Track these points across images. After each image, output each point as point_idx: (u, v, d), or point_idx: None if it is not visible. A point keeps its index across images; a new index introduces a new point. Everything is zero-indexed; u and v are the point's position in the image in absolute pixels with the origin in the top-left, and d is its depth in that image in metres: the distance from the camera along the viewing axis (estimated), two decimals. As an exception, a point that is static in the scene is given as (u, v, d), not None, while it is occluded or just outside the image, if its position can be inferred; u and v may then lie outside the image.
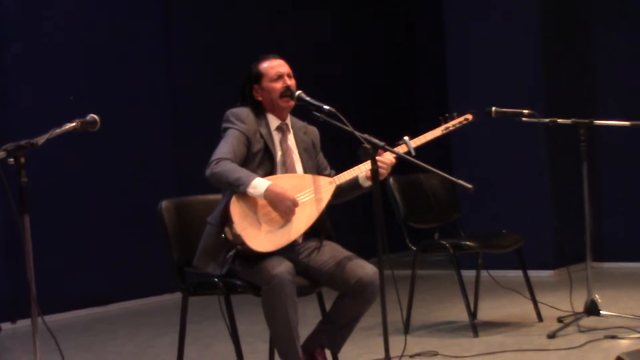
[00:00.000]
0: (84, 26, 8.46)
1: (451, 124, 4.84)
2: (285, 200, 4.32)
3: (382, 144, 4.25)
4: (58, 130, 4.00)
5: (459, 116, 4.87)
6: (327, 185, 4.55)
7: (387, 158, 4.49)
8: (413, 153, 4.52)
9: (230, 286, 4.45)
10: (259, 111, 4.63)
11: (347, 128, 4.24)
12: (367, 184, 4.57)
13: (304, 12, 10.40)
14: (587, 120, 6.08)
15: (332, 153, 5.00)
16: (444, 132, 4.82)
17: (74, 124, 4.07)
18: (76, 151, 8.10)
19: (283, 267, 4.26)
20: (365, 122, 4.47)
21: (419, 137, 4.67)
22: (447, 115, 4.86)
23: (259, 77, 4.64)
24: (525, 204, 8.91)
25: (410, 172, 5.86)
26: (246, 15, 9.77)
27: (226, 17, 9.62)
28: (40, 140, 3.91)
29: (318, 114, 4.38)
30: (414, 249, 6.14)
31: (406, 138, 4.60)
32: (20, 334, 7.36)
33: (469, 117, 4.93)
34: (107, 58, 8.58)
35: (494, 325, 6.39)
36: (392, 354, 4.28)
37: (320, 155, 4.81)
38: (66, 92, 8.20)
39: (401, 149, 4.52)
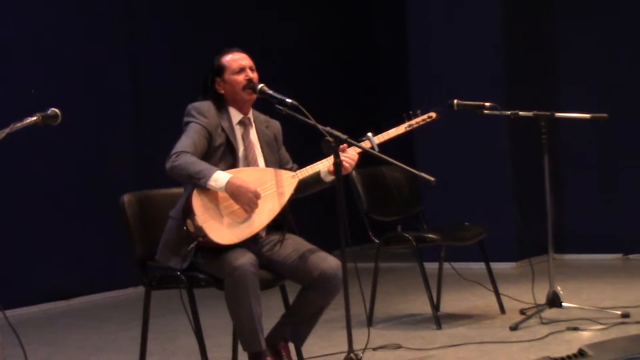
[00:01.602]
0: (44, 17, 8.40)
1: (414, 122, 4.87)
2: (247, 192, 4.31)
3: (344, 137, 4.27)
4: (19, 124, 3.97)
5: (422, 114, 4.90)
6: (290, 179, 4.55)
7: (351, 154, 4.50)
8: (376, 149, 4.53)
9: (192, 280, 4.44)
10: (221, 105, 4.62)
11: (309, 121, 4.25)
12: (329, 178, 4.58)
13: (268, 11, 10.40)
14: (548, 113, 6.12)
15: (295, 147, 5.00)
16: (408, 129, 4.84)
17: (34, 118, 4.04)
18: (37, 144, 8.03)
19: (245, 259, 4.25)
20: (327, 119, 4.45)
21: (383, 133, 4.69)
22: (410, 112, 4.88)
23: (221, 69, 4.64)
24: (488, 197, 8.96)
25: (373, 164, 5.87)
26: (209, 9, 9.73)
27: (189, 8, 9.59)
28: (1, 134, 3.89)
29: (281, 107, 4.38)
30: (377, 241, 6.15)
31: (370, 134, 4.61)
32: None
33: (433, 115, 4.95)
34: (67, 50, 8.53)
35: (457, 318, 6.41)
36: (356, 346, 4.30)
37: (283, 150, 4.81)
38: (27, 86, 8.14)
39: (365, 145, 4.53)
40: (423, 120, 4.91)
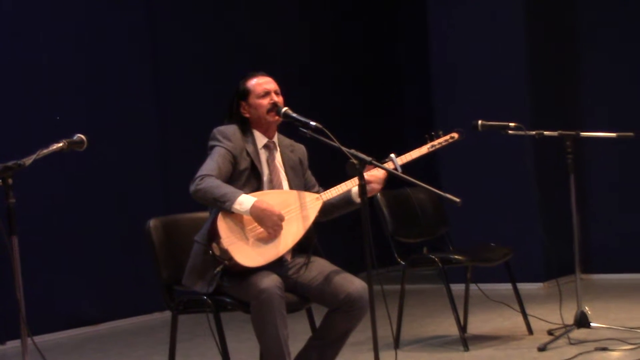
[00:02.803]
0: (71, 45, 8.46)
1: (437, 142, 4.87)
2: (271, 215, 4.32)
3: (369, 159, 4.26)
4: (45, 151, 4.00)
5: (444, 134, 4.90)
6: (314, 202, 4.56)
7: (378, 172, 4.51)
8: (400, 170, 4.53)
9: (219, 304, 4.45)
10: (246, 128, 4.65)
11: (334, 144, 4.26)
12: (359, 200, 4.58)
13: (290, 31, 10.44)
14: (573, 132, 6.12)
15: (321, 170, 5.01)
16: (430, 150, 4.85)
17: (60, 144, 4.07)
18: (63, 171, 8.08)
19: (271, 281, 4.26)
20: (350, 141, 4.45)
21: (405, 154, 4.69)
22: (433, 133, 4.88)
23: (246, 93, 4.67)
24: (513, 217, 8.93)
25: (398, 186, 5.88)
26: (233, 31, 9.78)
27: (214, 33, 9.64)
28: (28, 160, 3.92)
29: (305, 130, 4.40)
30: (403, 263, 6.15)
31: (392, 155, 4.62)
32: (10, 356, 7.33)
33: (455, 135, 4.95)
34: (93, 77, 8.58)
35: (484, 339, 6.39)
36: (383, 369, 4.30)
37: (308, 173, 4.82)
38: (52, 112, 8.19)
39: (388, 167, 4.53)
40: (445, 141, 4.91)
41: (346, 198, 4.63)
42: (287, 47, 10.31)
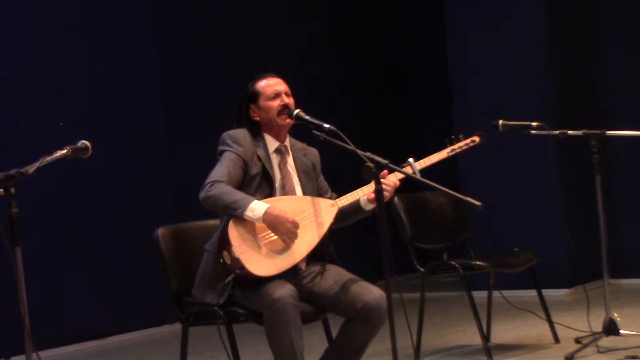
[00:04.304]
0: (75, 49, 8.48)
1: (457, 146, 4.85)
2: (285, 222, 4.33)
3: (385, 162, 4.25)
4: (48, 158, 4.01)
5: (465, 138, 4.88)
6: (329, 208, 4.55)
7: (391, 180, 4.50)
8: (418, 175, 4.52)
9: (231, 315, 4.46)
10: (257, 132, 4.65)
11: (349, 147, 4.26)
12: (370, 206, 4.58)
13: (299, 30, 10.45)
14: (598, 131, 6.09)
15: (334, 175, 5.01)
16: (450, 154, 4.83)
17: (64, 151, 4.07)
18: (67, 179, 8.09)
19: (285, 290, 4.26)
20: (366, 144, 4.44)
21: (424, 159, 4.68)
22: (453, 137, 4.87)
23: (255, 96, 4.67)
24: (537, 220, 8.90)
25: (416, 190, 5.87)
26: (242, 37, 9.79)
27: (222, 39, 9.65)
28: (31, 169, 3.92)
29: (318, 133, 4.39)
30: (422, 270, 6.14)
31: (411, 160, 4.61)
32: (15, 371, 7.36)
33: (476, 139, 4.93)
34: (98, 82, 8.60)
35: (508, 349, 6.38)
36: (403, 381, 4.29)
37: (321, 178, 4.82)
38: (56, 118, 8.21)
39: (406, 171, 4.52)
40: (466, 144, 4.89)
41: (356, 205, 4.62)
42: (296, 50, 10.30)
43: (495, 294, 6.63)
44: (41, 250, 7.94)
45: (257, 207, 4.31)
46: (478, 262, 6.12)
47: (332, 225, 4.58)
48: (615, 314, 6.09)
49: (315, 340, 5.00)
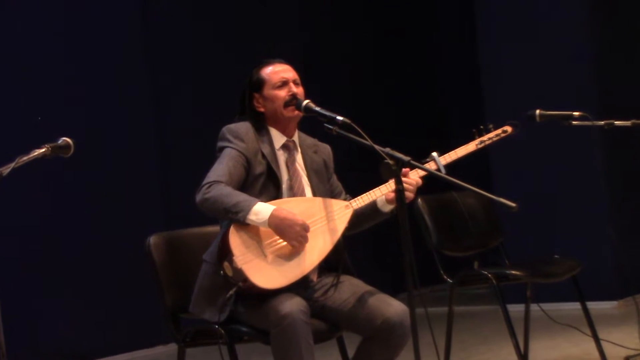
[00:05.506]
0: (58, 39, 8.52)
1: (487, 138, 4.83)
2: (294, 225, 4.31)
3: (407, 158, 4.21)
4: (25, 158, 4.02)
5: (495, 128, 4.87)
6: (343, 211, 4.54)
7: (412, 178, 4.48)
8: (443, 171, 4.52)
9: (233, 334, 4.46)
10: (261, 126, 4.64)
11: (365, 142, 4.24)
12: (388, 207, 4.56)
13: (320, 23, 10.50)
14: (649, 122, 6.10)
15: (348, 174, 5.01)
16: (479, 147, 4.82)
17: (43, 150, 4.09)
18: (46, 181, 8.11)
19: (294, 305, 4.25)
20: (385, 139, 4.43)
21: (450, 153, 4.67)
22: (482, 127, 4.85)
23: (260, 84, 4.65)
24: (581, 224, 8.90)
25: (442, 190, 5.87)
26: (244, 20, 9.82)
27: (214, 29, 9.67)
28: (5, 170, 3.93)
29: (330, 127, 4.37)
30: (450, 281, 6.14)
31: (434, 154, 4.60)
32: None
33: (508, 129, 4.91)
34: (83, 75, 8.63)
35: (549, 369, 6.40)
36: (429, 407, 4.30)
37: (334, 178, 4.81)
38: (33, 113, 8.23)
39: (429, 167, 4.51)
40: (497, 135, 4.87)
41: (372, 206, 4.61)
42: (317, 39, 10.35)
43: (534, 307, 6.62)
44: (18, 262, 7.96)
45: (261, 210, 4.30)
46: (513, 272, 6.11)
47: (346, 230, 4.57)
48: (670, 329, 6.10)
49: (329, 361, 5.02)
